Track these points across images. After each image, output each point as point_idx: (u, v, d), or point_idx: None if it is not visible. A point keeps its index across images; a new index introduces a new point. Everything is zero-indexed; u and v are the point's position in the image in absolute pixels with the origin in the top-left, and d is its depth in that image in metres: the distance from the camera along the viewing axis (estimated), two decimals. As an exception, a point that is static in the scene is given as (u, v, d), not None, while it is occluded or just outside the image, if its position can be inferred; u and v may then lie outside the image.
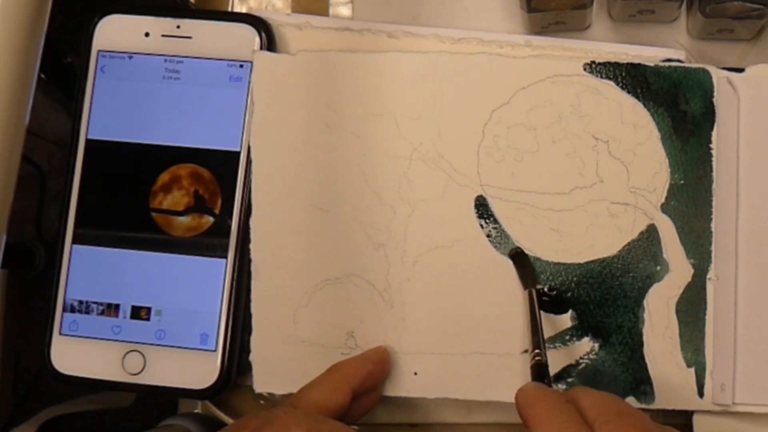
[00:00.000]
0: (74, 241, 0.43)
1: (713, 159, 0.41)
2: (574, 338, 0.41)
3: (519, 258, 0.42)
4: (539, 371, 0.36)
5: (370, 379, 0.40)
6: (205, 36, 0.44)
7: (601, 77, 0.42)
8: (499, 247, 0.42)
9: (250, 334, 0.42)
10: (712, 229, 0.41)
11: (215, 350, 0.42)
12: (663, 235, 0.41)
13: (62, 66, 0.51)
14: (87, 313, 0.43)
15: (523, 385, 0.34)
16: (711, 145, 0.41)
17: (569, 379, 0.41)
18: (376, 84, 0.43)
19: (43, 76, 0.44)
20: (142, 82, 0.44)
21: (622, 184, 0.42)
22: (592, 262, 0.42)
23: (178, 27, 0.44)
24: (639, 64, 0.42)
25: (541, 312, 0.41)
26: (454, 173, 0.42)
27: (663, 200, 0.42)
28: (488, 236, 0.42)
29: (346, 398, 0.38)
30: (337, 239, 0.42)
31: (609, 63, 0.42)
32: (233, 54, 0.44)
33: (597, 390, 0.33)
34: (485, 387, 0.41)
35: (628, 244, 0.42)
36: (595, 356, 0.41)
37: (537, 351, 0.37)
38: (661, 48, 0.44)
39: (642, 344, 0.41)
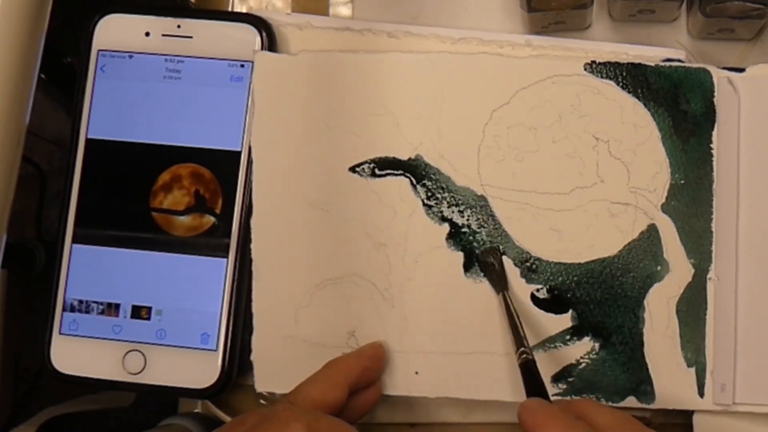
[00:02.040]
0: (74, 241, 0.43)
1: (714, 159, 0.41)
2: (575, 338, 0.41)
3: (487, 267, 0.41)
4: (528, 369, 0.36)
5: (366, 374, 0.40)
6: (206, 36, 0.44)
7: (602, 77, 0.42)
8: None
9: (251, 333, 0.42)
10: (713, 229, 0.41)
11: (216, 350, 0.42)
12: (663, 235, 0.41)
13: (62, 66, 0.51)
14: (87, 312, 0.43)
15: (524, 401, 0.34)
16: (711, 145, 0.42)
17: (569, 379, 0.41)
18: (376, 84, 0.43)
19: (43, 76, 0.44)
20: (143, 82, 0.44)
21: (623, 184, 0.42)
22: (593, 262, 0.42)
23: (179, 26, 0.44)
24: (639, 63, 0.42)
25: (540, 311, 0.41)
26: (455, 173, 0.42)
27: (663, 200, 0.42)
28: (488, 236, 0.42)
29: (343, 394, 0.38)
30: (337, 239, 0.42)
31: (609, 63, 0.42)
32: (234, 54, 0.44)
33: (606, 407, 0.33)
34: (486, 386, 0.41)
35: (629, 244, 0.42)
36: (595, 356, 0.41)
37: (522, 349, 0.37)
38: (661, 48, 0.44)
39: (642, 344, 0.41)
